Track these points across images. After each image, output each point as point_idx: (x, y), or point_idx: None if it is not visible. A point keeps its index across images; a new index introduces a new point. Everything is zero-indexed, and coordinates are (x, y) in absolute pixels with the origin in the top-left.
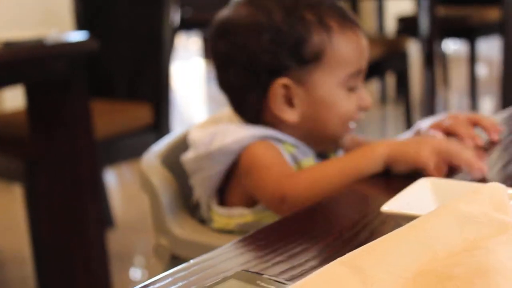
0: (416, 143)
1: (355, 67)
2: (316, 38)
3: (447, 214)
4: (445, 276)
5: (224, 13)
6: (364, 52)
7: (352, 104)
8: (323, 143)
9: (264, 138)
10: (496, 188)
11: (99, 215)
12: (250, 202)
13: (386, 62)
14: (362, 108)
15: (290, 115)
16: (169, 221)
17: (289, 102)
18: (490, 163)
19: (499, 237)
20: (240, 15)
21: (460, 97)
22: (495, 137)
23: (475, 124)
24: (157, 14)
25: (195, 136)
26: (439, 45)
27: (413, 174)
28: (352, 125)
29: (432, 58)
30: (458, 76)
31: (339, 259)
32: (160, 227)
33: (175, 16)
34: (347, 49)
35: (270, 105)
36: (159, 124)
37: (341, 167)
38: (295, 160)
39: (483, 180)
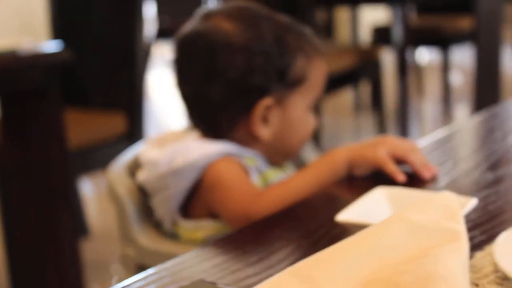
0: (372, 145)
1: (319, 92)
2: (298, 63)
3: (398, 223)
4: (393, 283)
5: (202, 23)
6: (325, 78)
7: (311, 126)
8: (281, 158)
9: (228, 153)
10: (447, 197)
11: (72, 223)
12: (214, 214)
13: (360, 71)
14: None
15: (265, 132)
16: (135, 231)
17: (265, 120)
18: (447, 170)
19: (450, 245)
20: (228, 30)
21: (434, 105)
22: (427, 175)
23: (402, 161)
24: (131, 23)
25: (152, 156)
26: (413, 54)
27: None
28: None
29: (406, 67)
30: (432, 85)
31: (288, 268)
32: (126, 236)
33: (152, 25)
34: (318, 75)
35: (249, 122)
36: (133, 132)
37: (305, 179)
38: (259, 171)
39: (433, 181)
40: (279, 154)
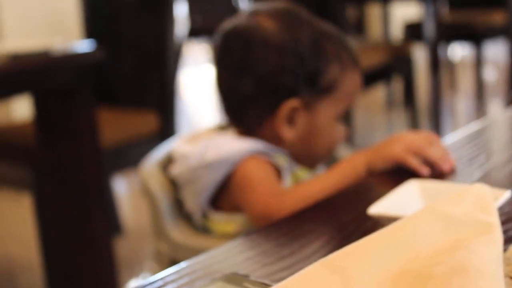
0: (387, 144)
1: (350, 103)
2: (332, 71)
3: (431, 215)
4: (425, 275)
5: (246, 19)
6: (358, 90)
7: (339, 135)
8: (305, 161)
9: (260, 151)
10: (480, 189)
11: (106, 222)
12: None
13: (392, 67)
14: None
15: (288, 133)
16: (168, 226)
17: (290, 121)
18: (478, 163)
19: (482, 237)
20: (267, 28)
21: (467, 101)
22: (445, 167)
23: (420, 156)
24: (162, 23)
25: (184, 150)
26: (445, 49)
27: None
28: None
29: (438, 63)
30: (465, 80)
31: (320, 260)
32: (159, 232)
33: (184, 25)
34: (352, 85)
35: (274, 121)
36: (166, 131)
37: (328, 182)
38: (291, 170)
39: (452, 172)
40: (303, 158)
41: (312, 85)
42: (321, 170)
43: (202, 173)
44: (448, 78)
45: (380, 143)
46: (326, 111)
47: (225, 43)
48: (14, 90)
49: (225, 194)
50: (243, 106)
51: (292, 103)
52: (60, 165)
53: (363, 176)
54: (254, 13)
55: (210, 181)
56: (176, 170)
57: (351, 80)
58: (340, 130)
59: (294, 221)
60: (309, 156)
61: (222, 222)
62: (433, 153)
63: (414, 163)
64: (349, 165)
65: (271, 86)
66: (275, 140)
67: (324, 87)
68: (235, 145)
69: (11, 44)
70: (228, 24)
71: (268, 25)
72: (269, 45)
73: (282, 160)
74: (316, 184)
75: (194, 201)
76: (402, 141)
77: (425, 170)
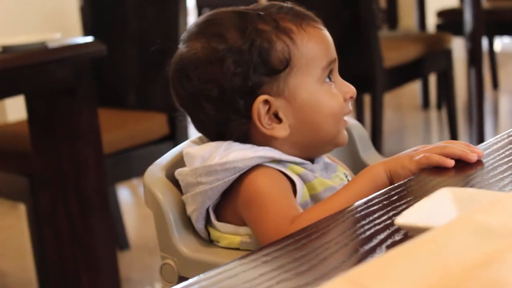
0: (407, 154)
1: (326, 59)
2: (279, 46)
3: (463, 226)
4: None
5: (178, 53)
6: (329, 42)
7: (337, 98)
8: (322, 146)
9: (269, 160)
10: None
11: (109, 236)
12: (245, 223)
13: (427, 62)
14: (348, 98)
15: (281, 131)
16: (175, 238)
17: (276, 118)
18: None
19: None
20: (195, 50)
21: (511, 99)
22: (473, 158)
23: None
24: (171, 18)
25: (192, 151)
26: (487, 41)
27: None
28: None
29: (478, 56)
30: (507, 75)
31: (343, 275)
32: (166, 245)
33: (194, 20)
34: (313, 45)
35: (257, 127)
36: (176, 135)
37: (347, 199)
38: (304, 181)
39: (479, 163)
40: (315, 145)
41: (266, 71)
42: (340, 179)
43: (205, 176)
44: (488, 73)
45: (396, 156)
46: (300, 85)
47: (173, 88)
48: (5, 90)
49: (227, 204)
50: (224, 129)
51: (259, 100)
52: (58, 172)
53: (382, 188)
54: (183, 41)
55: (212, 186)
56: (179, 170)
57: (306, 41)
58: (335, 93)
59: (313, 232)
60: (320, 139)
61: (229, 233)
62: (456, 149)
63: (436, 158)
64: (369, 179)
65: (230, 97)
66: (275, 144)
67: (278, 66)
68: (243, 151)
69: (4, 39)
70: (170, 64)
71: (196, 45)
72: (204, 62)
73: (294, 168)
74: (335, 201)
75: (194, 205)
76: (420, 149)
77: (450, 161)
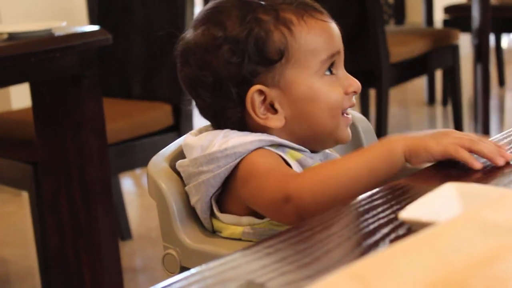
0: (434, 136)
1: (327, 52)
2: (276, 36)
3: (468, 221)
4: None
5: (182, 37)
6: (332, 34)
7: (336, 91)
8: (321, 141)
9: (269, 143)
10: None
11: (112, 226)
12: (247, 212)
13: (434, 57)
14: (351, 92)
15: (275, 121)
16: (178, 228)
17: (272, 109)
18: None
19: None
20: (197, 36)
21: None
22: (500, 161)
23: (472, 151)
24: (178, 7)
25: (191, 141)
26: (494, 38)
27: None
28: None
29: (485, 52)
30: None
31: (344, 269)
32: (168, 235)
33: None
34: (313, 37)
35: (252, 117)
36: (181, 125)
37: (356, 162)
38: (303, 167)
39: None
40: (313, 138)
41: (261, 61)
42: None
43: (206, 165)
44: (495, 70)
45: (423, 134)
46: (297, 77)
47: (178, 71)
48: (11, 77)
49: (230, 194)
50: (221, 115)
51: (253, 89)
52: (62, 160)
53: (398, 166)
54: (191, 28)
55: (214, 175)
56: (180, 161)
57: (306, 32)
58: (335, 86)
59: (317, 225)
60: (317, 132)
61: (231, 224)
62: (486, 148)
63: (466, 155)
64: (385, 150)
65: (225, 84)
66: (271, 134)
67: (274, 57)
68: (242, 137)
69: (8, 26)
70: (176, 49)
71: (198, 32)
72: (202, 48)
73: (294, 154)
74: (343, 162)
75: (197, 195)
76: (451, 134)
77: (478, 164)
